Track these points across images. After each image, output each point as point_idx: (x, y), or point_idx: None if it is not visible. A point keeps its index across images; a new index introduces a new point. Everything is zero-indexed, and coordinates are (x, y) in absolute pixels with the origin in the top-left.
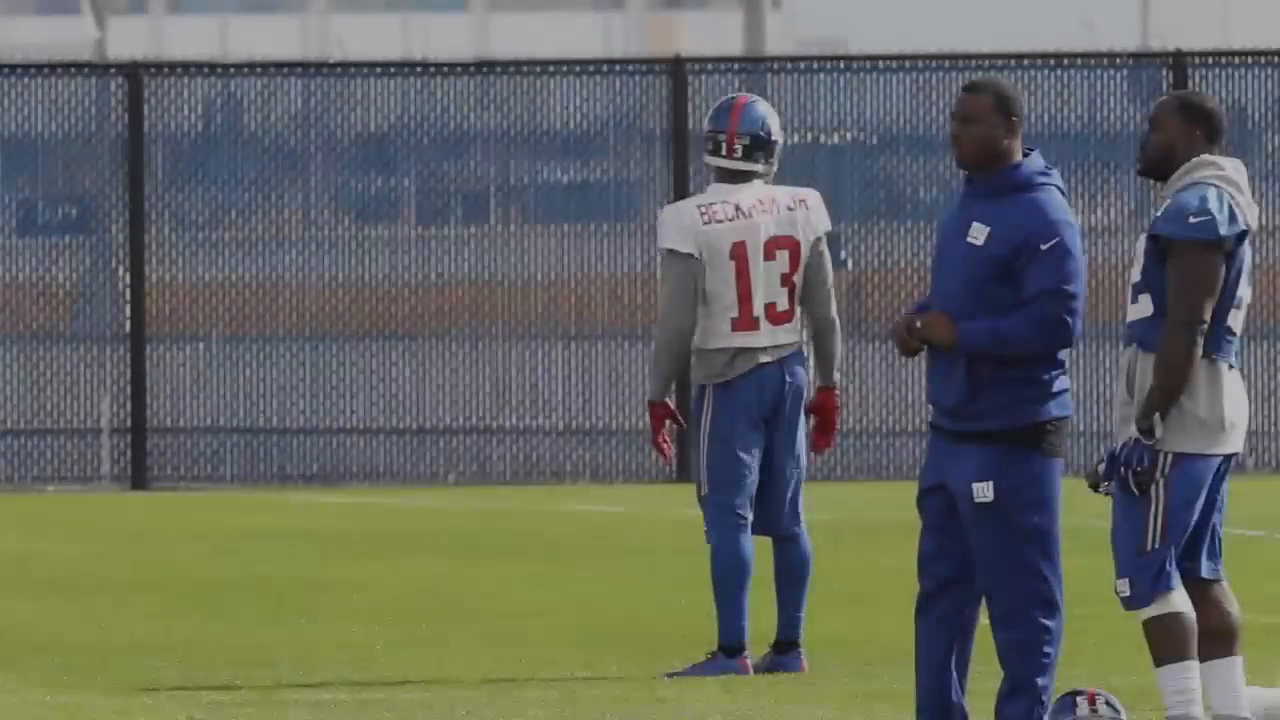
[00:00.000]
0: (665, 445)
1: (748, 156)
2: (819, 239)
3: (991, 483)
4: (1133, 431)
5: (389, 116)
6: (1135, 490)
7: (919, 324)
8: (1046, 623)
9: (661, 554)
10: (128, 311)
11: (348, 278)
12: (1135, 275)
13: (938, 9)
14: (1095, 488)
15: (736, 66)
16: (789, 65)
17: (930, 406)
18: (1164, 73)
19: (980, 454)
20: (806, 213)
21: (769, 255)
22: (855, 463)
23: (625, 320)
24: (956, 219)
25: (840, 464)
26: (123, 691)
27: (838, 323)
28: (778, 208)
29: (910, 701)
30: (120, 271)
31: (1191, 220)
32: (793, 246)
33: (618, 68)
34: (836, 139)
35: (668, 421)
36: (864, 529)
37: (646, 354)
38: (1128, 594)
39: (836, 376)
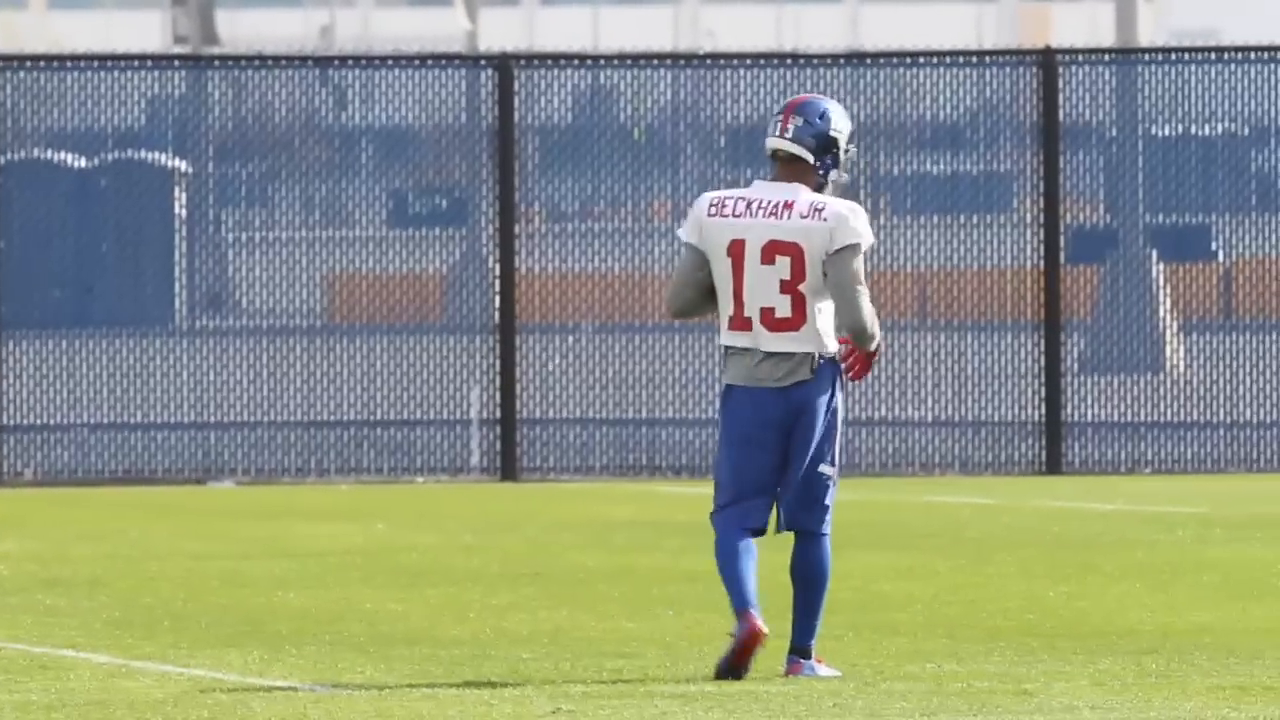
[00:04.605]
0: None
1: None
2: (840, 249)
3: None
4: None
5: (759, 108)
6: None
7: None
8: None
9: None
10: (497, 302)
11: None
12: None
13: None
14: None
15: (1108, 58)
16: (1159, 57)
17: None
18: None
19: None
20: (822, 224)
21: (766, 259)
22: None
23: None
24: None
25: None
26: (490, 682)
27: (858, 315)
28: (791, 214)
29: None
30: (490, 262)
31: None
32: (794, 254)
33: (987, 59)
34: (1207, 130)
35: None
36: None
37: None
38: None
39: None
